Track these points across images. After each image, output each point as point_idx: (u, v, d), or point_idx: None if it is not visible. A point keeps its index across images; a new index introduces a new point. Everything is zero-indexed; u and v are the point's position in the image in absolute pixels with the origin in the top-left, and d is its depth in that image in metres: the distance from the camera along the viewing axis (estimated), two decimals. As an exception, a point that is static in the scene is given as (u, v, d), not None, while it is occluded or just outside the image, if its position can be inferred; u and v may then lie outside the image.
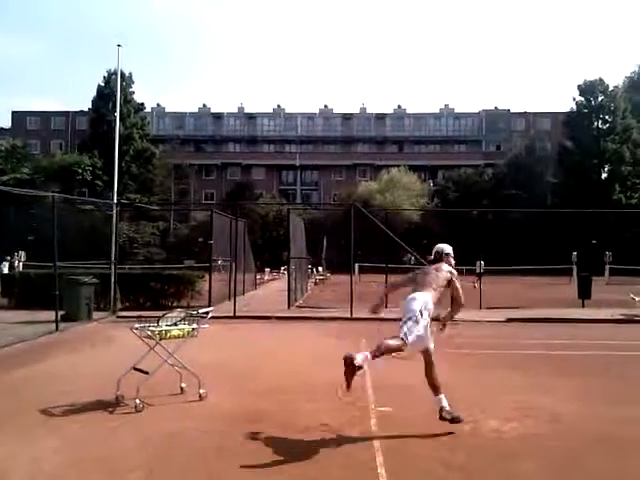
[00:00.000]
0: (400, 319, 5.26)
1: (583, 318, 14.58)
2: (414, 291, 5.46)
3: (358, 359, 4.78)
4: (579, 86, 51.78)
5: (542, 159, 55.11)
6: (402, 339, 5.01)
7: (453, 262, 5.88)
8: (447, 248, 5.94)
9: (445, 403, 5.35)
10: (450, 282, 5.55)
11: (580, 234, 34.86)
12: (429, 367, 5.43)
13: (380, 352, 4.91)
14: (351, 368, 4.77)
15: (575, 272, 27.07)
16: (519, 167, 53.36)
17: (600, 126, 51.34)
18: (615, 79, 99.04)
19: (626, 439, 5.21)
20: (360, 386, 7.07)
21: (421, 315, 5.15)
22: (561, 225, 39.39)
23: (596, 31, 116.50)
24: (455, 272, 5.71)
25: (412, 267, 28.74)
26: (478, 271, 26.31)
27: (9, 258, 19.60)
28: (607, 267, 32.23)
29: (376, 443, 5.00)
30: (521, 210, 42.07)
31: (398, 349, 5.03)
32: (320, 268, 35.27)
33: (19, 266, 23.07)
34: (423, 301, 5.26)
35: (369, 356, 4.86)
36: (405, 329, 5.06)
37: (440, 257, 5.83)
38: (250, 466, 4.47)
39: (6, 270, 19.36)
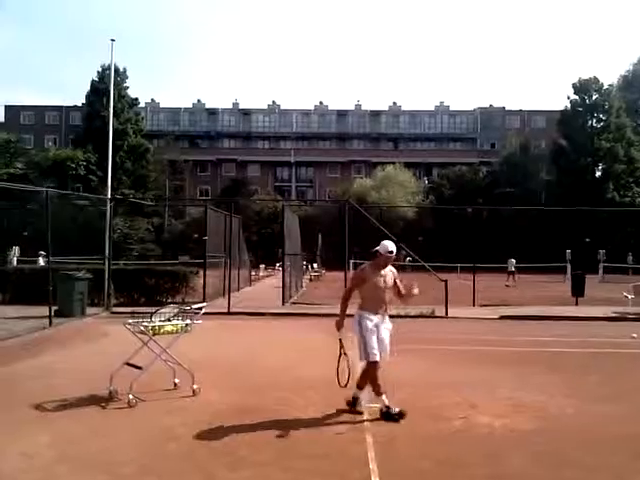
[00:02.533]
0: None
1: (576, 316, 14.65)
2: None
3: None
4: (574, 84, 51.89)
5: (537, 157, 55.24)
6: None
7: (381, 261, 5.71)
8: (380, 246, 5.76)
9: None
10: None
11: (574, 232, 35.01)
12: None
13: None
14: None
15: (569, 270, 27.20)
16: (514, 165, 53.45)
17: (594, 124, 51.46)
18: (609, 78, 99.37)
19: (614, 436, 5.26)
20: (352, 384, 7.11)
21: None
22: (555, 223, 39.50)
23: (591, 30, 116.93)
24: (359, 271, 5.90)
25: (407, 265, 28.86)
26: (510, 269, 26.63)
27: (44, 253, 19.40)
28: (601, 265, 32.35)
29: (368, 438, 5.04)
30: (515, 208, 42.18)
31: None
32: (315, 264, 35.27)
33: (13, 261, 23.00)
34: None
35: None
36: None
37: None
38: (242, 461, 4.49)
39: (42, 263, 19.16)
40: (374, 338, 5.57)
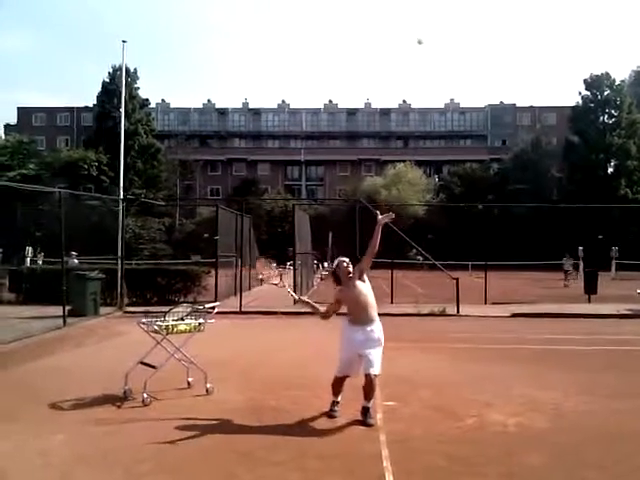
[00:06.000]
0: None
1: (589, 313, 14.56)
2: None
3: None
4: (585, 80, 51.47)
5: (548, 154, 54.78)
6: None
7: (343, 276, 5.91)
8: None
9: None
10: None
11: (586, 229, 34.74)
12: None
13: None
14: None
15: (581, 267, 26.99)
16: (525, 162, 53.06)
17: (606, 120, 51.02)
18: (621, 73, 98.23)
19: (629, 433, 5.23)
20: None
21: None
22: (567, 220, 39.24)
23: (602, 25, 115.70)
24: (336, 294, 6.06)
25: (421, 263, 28.69)
26: (567, 268, 26.44)
27: (75, 253, 19.38)
28: (613, 262, 32.06)
29: (382, 436, 5.05)
30: (527, 205, 41.92)
31: None
32: (326, 264, 35.25)
33: (26, 261, 23.19)
34: None
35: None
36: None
37: None
38: (258, 461, 4.52)
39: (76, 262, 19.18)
40: (346, 355, 5.68)
